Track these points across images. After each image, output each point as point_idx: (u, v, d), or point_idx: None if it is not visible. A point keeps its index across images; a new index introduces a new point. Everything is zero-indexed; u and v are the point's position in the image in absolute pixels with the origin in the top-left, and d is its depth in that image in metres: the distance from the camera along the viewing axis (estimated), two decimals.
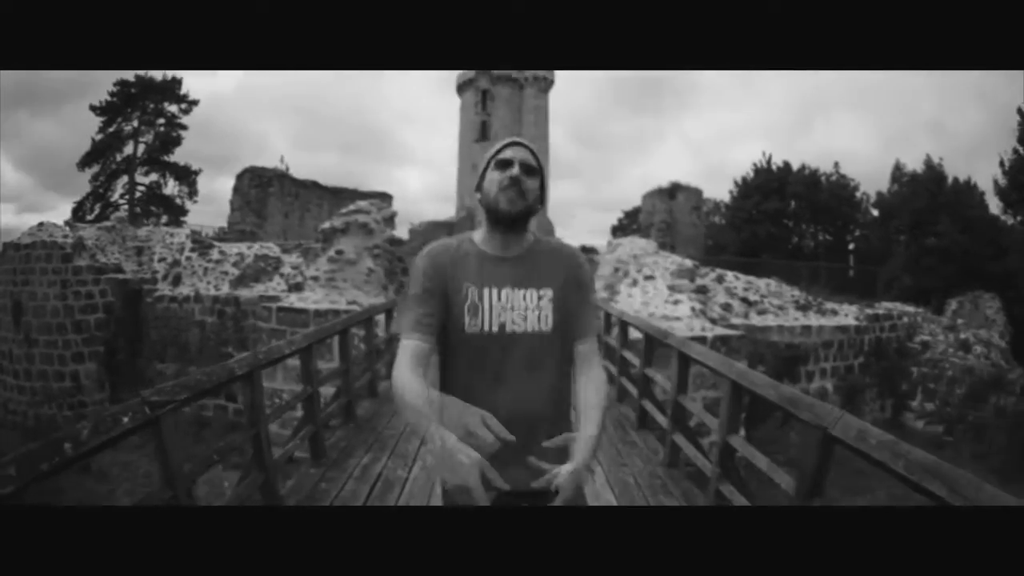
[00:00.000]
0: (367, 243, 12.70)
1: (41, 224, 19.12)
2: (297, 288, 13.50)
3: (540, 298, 2.01)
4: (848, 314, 17.32)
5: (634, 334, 8.02)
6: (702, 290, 12.87)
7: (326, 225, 13.35)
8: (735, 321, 13.53)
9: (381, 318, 9.45)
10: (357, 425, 7.15)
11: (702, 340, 9.58)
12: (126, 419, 2.88)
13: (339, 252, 12.63)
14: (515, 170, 1.97)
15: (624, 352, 8.28)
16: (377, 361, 8.81)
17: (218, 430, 13.98)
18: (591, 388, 2.02)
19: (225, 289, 17.21)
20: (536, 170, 2.02)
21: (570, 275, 2.07)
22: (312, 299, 11.87)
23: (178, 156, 48.68)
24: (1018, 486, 9.34)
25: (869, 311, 18.08)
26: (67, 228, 19.64)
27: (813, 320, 15.98)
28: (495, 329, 1.98)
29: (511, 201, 1.96)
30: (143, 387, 3.18)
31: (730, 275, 16.01)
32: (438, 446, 1.68)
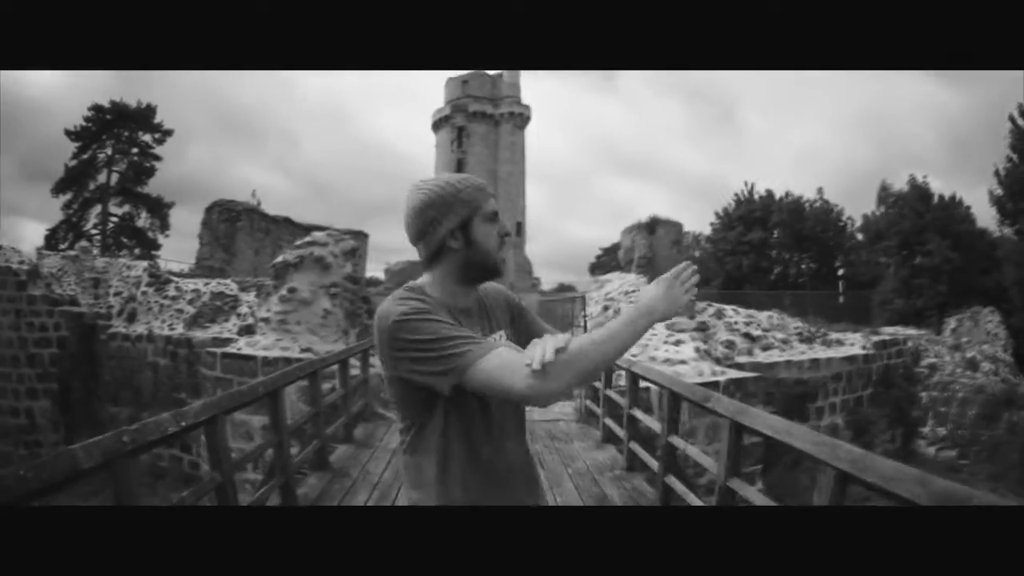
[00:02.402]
0: (323, 280, 11.01)
1: None
2: (248, 331, 12.05)
3: (499, 339, 1.98)
4: (854, 343, 16.36)
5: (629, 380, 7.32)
6: (702, 327, 11.66)
7: (278, 260, 11.44)
8: (740, 360, 12.36)
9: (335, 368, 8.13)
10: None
11: (714, 386, 8.59)
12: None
13: (291, 290, 10.95)
14: (507, 226, 1.96)
15: (609, 392, 7.96)
16: (325, 425, 7.38)
17: (172, 482, 13.09)
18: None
19: (179, 329, 15.90)
20: None
21: (510, 310, 2.12)
22: (262, 344, 10.44)
23: (152, 187, 48.17)
24: None
25: (875, 338, 17.15)
26: (21, 253, 18.63)
27: (820, 352, 14.91)
28: None
29: (503, 259, 1.97)
30: (99, 430, 3.28)
31: (729, 309, 14.87)
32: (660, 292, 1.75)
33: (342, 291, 11.36)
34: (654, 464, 5.89)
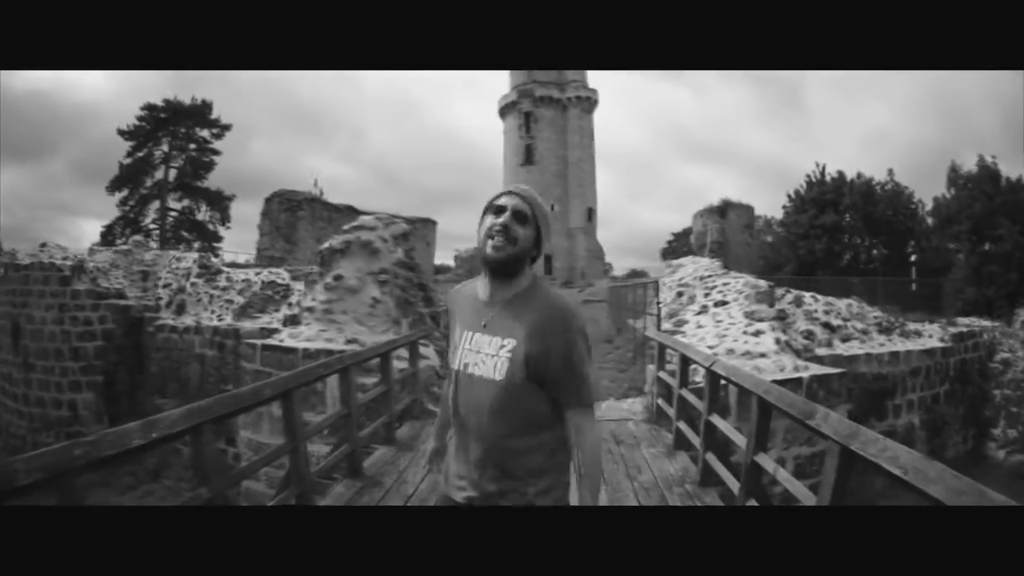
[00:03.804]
0: (371, 266, 10.21)
1: (44, 245, 18.55)
2: (293, 321, 11.38)
3: (501, 347, 2.07)
4: (932, 335, 15.31)
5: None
6: (781, 316, 10.72)
7: (324, 246, 10.65)
8: (820, 352, 11.42)
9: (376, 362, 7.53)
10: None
11: (797, 383, 7.72)
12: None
13: (337, 278, 10.15)
14: (505, 217, 2.05)
15: (684, 392, 7.03)
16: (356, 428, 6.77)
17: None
18: (579, 458, 2.09)
19: (228, 319, 15.63)
20: (529, 218, 2.10)
21: (544, 332, 2.04)
22: (305, 335, 9.78)
23: (211, 181, 48.89)
24: None
25: (952, 330, 16.02)
26: (66, 250, 18.73)
27: (899, 345, 13.87)
28: (462, 368, 2.17)
29: (496, 248, 2.05)
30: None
31: (807, 296, 13.92)
32: None
33: (392, 278, 10.43)
34: (732, 480, 5.12)
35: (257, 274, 17.38)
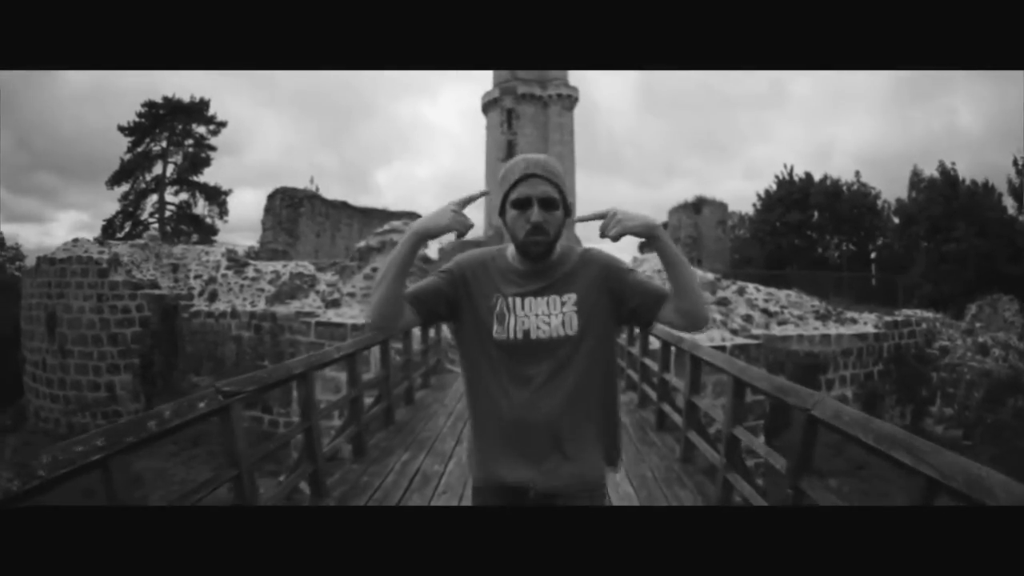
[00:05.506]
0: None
1: (76, 240, 20.12)
2: (334, 304, 14.05)
3: (563, 303, 2.01)
4: (867, 322, 17.43)
5: (654, 343, 8.20)
6: (723, 302, 13.20)
7: (361, 244, 14.05)
8: (756, 332, 13.74)
9: (417, 331, 9.75)
10: (396, 428, 7.49)
11: (721, 349, 9.49)
12: (203, 404, 3.29)
13: (375, 269, 13.22)
14: (535, 214, 1.92)
15: (645, 359, 8.48)
16: (414, 371, 9.12)
17: (252, 441, 14.17)
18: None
19: (261, 305, 17.78)
20: (556, 201, 1.95)
21: (598, 275, 2.06)
22: (349, 314, 12.28)
23: (213, 176, 49.29)
24: None
25: (888, 318, 18.18)
26: (100, 245, 20.47)
27: (832, 329, 16.11)
28: (519, 336, 2.00)
29: (536, 244, 1.95)
30: (179, 398, 3.33)
31: (751, 287, 16.24)
32: (421, 220, 1.96)
33: (417, 269, 13.43)
34: (714, 456, 5.28)
35: (284, 266, 19.51)
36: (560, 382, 2.00)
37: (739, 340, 10.79)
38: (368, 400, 7.20)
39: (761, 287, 16.67)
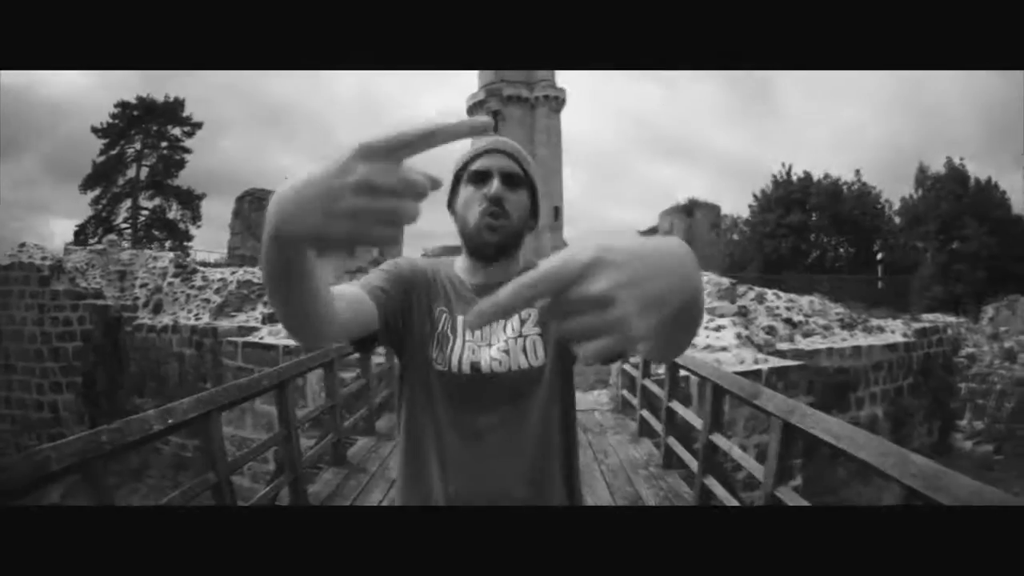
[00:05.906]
0: (348, 265, 10.64)
1: (23, 244, 18.29)
2: (272, 319, 11.70)
3: (523, 322, 1.49)
4: (895, 330, 15.70)
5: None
6: (743, 312, 11.14)
7: None
8: (781, 347, 11.86)
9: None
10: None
11: (756, 374, 8.19)
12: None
13: None
14: (495, 187, 1.44)
15: (646, 382, 7.61)
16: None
17: (197, 474, 12.88)
18: None
19: (205, 318, 15.67)
20: (522, 180, 1.50)
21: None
22: (284, 332, 9.88)
23: (182, 179, 48.61)
24: None
25: (916, 325, 16.54)
26: (45, 250, 18.55)
27: (861, 340, 14.29)
28: (465, 369, 1.46)
29: (492, 228, 1.45)
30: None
31: (770, 293, 14.39)
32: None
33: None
34: (693, 463, 5.52)
35: (233, 273, 17.37)
36: (521, 440, 1.48)
37: (774, 362, 8.82)
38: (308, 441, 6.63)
39: (781, 293, 14.78)
